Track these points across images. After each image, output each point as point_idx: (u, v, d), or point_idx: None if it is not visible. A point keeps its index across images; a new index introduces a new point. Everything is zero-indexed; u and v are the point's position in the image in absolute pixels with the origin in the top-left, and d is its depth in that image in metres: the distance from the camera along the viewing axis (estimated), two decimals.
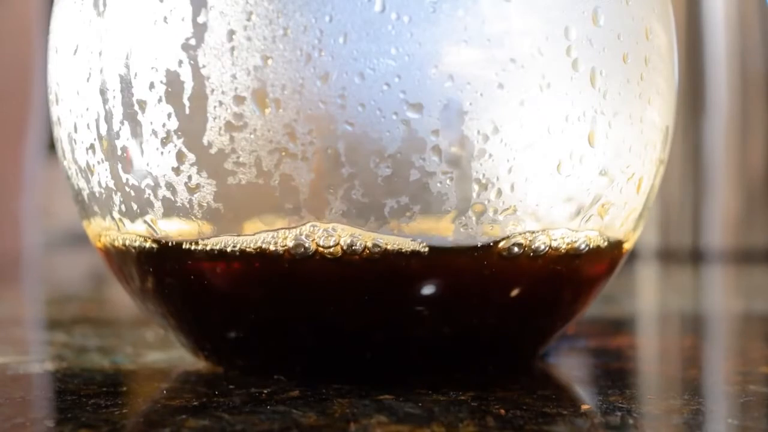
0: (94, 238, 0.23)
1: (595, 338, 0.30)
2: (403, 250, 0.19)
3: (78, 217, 0.24)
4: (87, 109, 0.21)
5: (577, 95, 0.20)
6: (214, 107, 0.19)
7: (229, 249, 0.19)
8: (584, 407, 0.19)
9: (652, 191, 0.23)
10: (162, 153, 0.20)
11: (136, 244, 0.21)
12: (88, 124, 0.21)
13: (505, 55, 0.19)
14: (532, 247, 0.20)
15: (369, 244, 0.19)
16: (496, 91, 0.19)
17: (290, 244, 0.19)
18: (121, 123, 0.20)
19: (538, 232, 0.20)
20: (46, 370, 0.23)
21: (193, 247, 0.20)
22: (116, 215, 0.21)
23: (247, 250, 0.19)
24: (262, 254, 0.19)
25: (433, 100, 0.18)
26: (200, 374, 0.22)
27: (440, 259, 0.19)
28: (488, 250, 0.19)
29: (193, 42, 0.19)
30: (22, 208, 0.92)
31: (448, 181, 0.19)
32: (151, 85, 0.19)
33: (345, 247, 0.19)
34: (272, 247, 0.19)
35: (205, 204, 0.19)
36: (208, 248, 0.20)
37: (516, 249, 0.20)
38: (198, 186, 0.19)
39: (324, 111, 0.18)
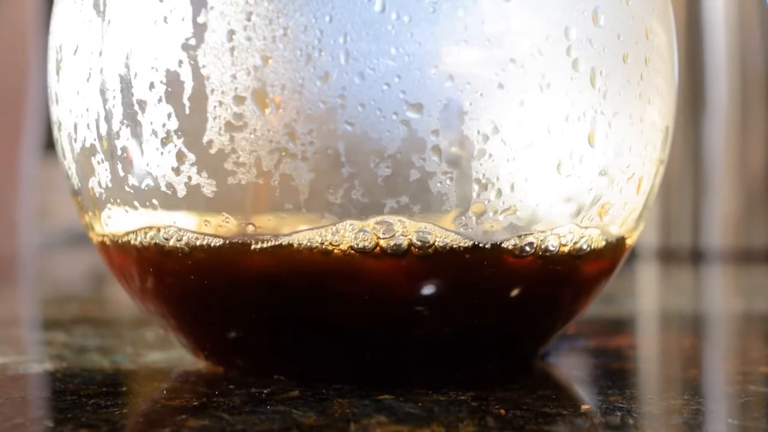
0: (93, 238, 0.23)
1: (595, 338, 0.30)
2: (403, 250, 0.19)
3: (77, 217, 0.24)
4: (87, 109, 0.21)
5: (577, 95, 0.20)
6: (214, 107, 0.19)
7: (228, 248, 0.19)
8: (584, 407, 0.19)
9: (652, 191, 0.23)
10: (162, 153, 0.20)
11: (136, 244, 0.21)
12: (88, 124, 0.21)
13: (505, 55, 0.19)
14: (532, 246, 0.20)
15: (369, 244, 0.19)
16: (496, 91, 0.19)
17: (290, 243, 0.19)
18: (121, 123, 0.20)
19: (538, 231, 0.20)
20: (46, 370, 0.23)
21: (192, 247, 0.20)
22: (116, 215, 0.21)
23: (247, 249, 0.19)
24: (261, 253, 0.19)
25: (433, 100, 0.18)
26: (200, 374, 0.22)
27: (440, 261, 0.19)
28: (488, 249, 0.19)
29: (193, 42, 0.19)
30: (19, 208, 0.93)
31: (448, 181, 0.19)
32: (151, 85, 0.19)
33: (345, 247, 0.19)
34: (271, 247, 0.19)
35: (205, 204, 0.19)
36: (207, 248, 0.20)
37: (516, 249, 0.20)
38: (198, 186, 0.19)
39: (324, 111, 0.18)
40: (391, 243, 0.19)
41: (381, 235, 0.19)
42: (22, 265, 0.86)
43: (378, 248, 0.19)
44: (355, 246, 0.19)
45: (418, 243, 0.19)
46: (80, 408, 0.18)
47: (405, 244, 0.19)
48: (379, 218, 0.19)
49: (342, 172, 0.18)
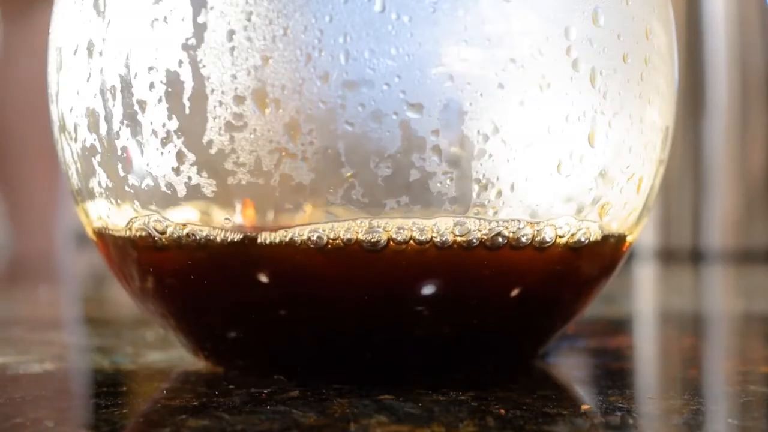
0: (93, 238, 0.23)
1: (595, 338, 0.30)
2: (403, 249, 0.19)
3: (78, 218, 0.24)
4: (87, 109, 0.21)
5: (577, 95, 0.20)
6: (214, 107, 0.19)
7: (228, 248, 0.19)
8: (584, 407, 0.19)
9: (652, 191, 0.23)
10: (162, 153, 0.20)
11: (136, 243, 0.21)
12: (88, 124, 0.21)
13: (505, 55, 0.19)
14: (532, 245, 0.20)
15: (368, 244, 0.19)
16: (496, 91, 0.19)
17: (289, 243, 0.19)
18: (121, 123, 0.20)
19: (538, 229, 0.20)
20: (46, 370, 0.23)
21: (193, 246, 0.20)
22: (116, 215, 0.21)
23: (246, 249, 0.19)
24: (261, 253, 0.19)
25: (433, 100, 0.18)
26: (200, 374, 0.22)
27: (440, 259, 0.19)
28: (488, 249, 0.19)
29: (193, 42, 0.19)
30: (58, 212, 0.96)
31: (448, 181, 0.19)
32: (151, 85, 0.19)
33: (344, 246, 0.19)
34: (271, 246, 0.19)
35: (205, 204, 0.19)
36: (207, 248, 0.20)
37: (516, 249, 0.20)
38: (198, 186, 0.19)
39: (324, 111, 0.18)
40: (391, 242, 0.19)
41: (381, 235, 0.19)
42: (50, 265, 0.86)
43: (378, 248, 0.19)
44: (355, 245, 0.19)
45: (419, 243, 0.19)
46: (80, 408, 0.18)
47: (405, 243, 0.19)
48: (379, 218, 0.19)
49: (342, 172, 0.18)
